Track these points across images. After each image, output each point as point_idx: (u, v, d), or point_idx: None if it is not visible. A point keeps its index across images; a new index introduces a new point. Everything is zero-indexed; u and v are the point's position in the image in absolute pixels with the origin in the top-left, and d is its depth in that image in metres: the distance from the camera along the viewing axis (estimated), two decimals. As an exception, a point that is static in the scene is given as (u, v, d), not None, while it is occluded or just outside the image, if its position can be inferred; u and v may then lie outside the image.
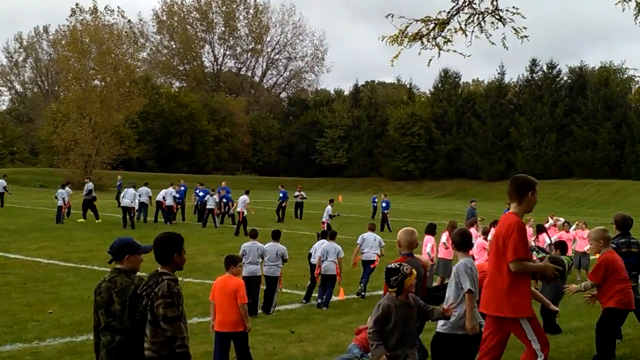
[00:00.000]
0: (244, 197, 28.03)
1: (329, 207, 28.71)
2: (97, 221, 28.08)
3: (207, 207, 29.25)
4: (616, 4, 9.86)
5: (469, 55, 9.60)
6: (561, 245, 11.66)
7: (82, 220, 28.34)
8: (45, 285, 13.79)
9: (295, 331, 10.82)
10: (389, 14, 9.12)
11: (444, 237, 16.27)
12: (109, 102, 58.40)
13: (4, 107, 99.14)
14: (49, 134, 63.08)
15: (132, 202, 27.43)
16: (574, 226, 19.89)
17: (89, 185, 29.62)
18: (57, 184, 36.37)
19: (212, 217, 29.26)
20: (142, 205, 29.76)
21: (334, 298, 13.97)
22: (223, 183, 33.53)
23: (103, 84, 60.38)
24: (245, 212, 27.43)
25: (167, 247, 5.38)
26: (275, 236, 13.19)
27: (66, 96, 62.27)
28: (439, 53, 9.46)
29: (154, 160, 79.13)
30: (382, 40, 9.35)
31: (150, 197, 30.00)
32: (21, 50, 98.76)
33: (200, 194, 31.21)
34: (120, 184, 40.88)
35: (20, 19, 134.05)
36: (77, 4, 61.36)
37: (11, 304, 11.91)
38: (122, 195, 28.59)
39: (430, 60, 9.59)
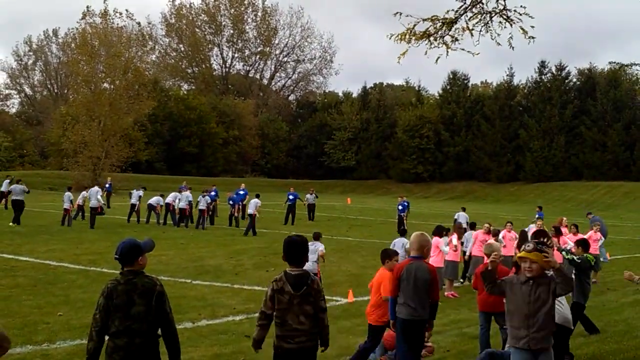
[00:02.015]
0: (255, 200, 28.16)
1: (464, 213, 28.41)
2: (10, 224, 26.28)
3: (199, 208, 29.31)
4: None
5: (478, 54, 9.57)
6: (583, 243, 11.58)
7: (13, 225, 26.29)
8: (55, 288, 13.83)
9: (304, 333, 10.80)
10: (397, 12, 9.13)
11: (454, 239, 16.24)
12: (118, 105, 58.67)
13: (14, 110, 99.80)
14: (58, 137, 63.42)
15: (98, 202, 27.80)
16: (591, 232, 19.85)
17: (21, 187, 28.44)
18: (67, 187, 36.56)
19: (201, 218, 29.21)
20: (151, 207, 30.21)
21: (342, 300, 13.98)
22: (242, 185, 33.79)
23: (112, 86, 60.66)
24: (257, 215, 27.62)
25: (302, 250, 6.02)
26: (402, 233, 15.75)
27: (75, 99, 62.51)
28: (447, 51, 9.45)
29: (163, 163, 79.37)
30: (391, 38, 9.35)
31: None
32: (30, 53, 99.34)
33: (212, 193, 31.67)
34: (110, 185, 41.55)
35: (30, 22, 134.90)
36: (88, 7, 61.70)
37: (21, 306, 11.95)
38: (88, 195, 28.51)
39: (438, 58, 9.59)
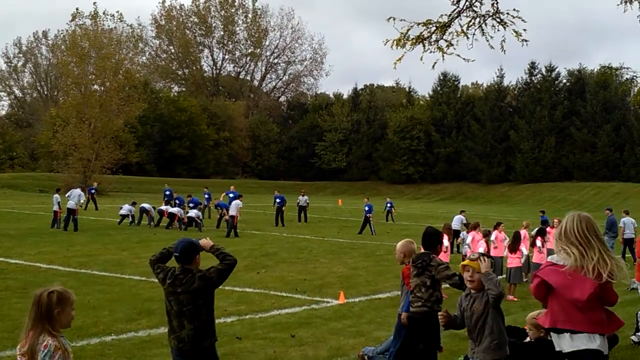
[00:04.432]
0: (236, 202, 28.22)
1: (460, 216, 28.22)
2: None
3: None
4: (618, 5, 9.89)
5: (473, 60, 9.61)
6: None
7: None
8: (45, 290, 13.76)
9: (296, 335, 10.79)
10: (390, 17, 9.14)
11: (445, 240, 16.24)
12: (109, 107, 58.49)
13: (4, 112, 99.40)
14: (48, 139, 63.14)
15: (76, 204, 27.01)
16: None
17: None
18: (55, 189, 36.39)
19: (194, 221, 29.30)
20: (143, 210, 30.23)
21: (333, 302, 13.96)
22: (231, 187, 33.77)
23: (102, 88, 60.47)
24: (239, 217, 27.58)
25: (435, 240, 7.58)
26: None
27: (65, 101, 62.24)
28: (443, 57, 9.47)
29: (154, 165, 79.21)
30: (386, 44, 9.36)
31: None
32: (20, 55, 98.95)
33: (205, 195, 31.85)
34: (95, 189, 41.28)
35: (19, 24, 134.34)
36: (77, 9, 61.53)
37: (11, 309, 11.89)
38: (67, 196, 28.10)
39: (435, 63, 9.63)
